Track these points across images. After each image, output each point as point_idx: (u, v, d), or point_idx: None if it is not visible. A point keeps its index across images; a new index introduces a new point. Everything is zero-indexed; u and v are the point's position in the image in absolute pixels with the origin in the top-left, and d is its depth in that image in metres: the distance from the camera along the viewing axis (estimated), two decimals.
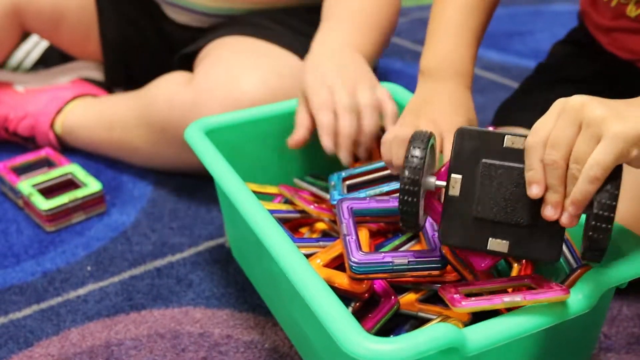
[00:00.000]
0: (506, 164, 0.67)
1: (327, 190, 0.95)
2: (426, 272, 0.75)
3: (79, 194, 1.16)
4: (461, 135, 0.70)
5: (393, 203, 0.82)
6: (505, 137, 0.68)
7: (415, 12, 2.02)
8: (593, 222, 0.62)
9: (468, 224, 0.69)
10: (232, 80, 1.10)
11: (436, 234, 0.78)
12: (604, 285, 0.68)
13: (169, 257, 1.09)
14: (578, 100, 0.63)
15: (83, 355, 0.91)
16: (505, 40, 1.84)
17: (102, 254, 1.10)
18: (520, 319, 0.65)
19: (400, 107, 1.03)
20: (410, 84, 1.08)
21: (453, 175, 0.69)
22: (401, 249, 0.84)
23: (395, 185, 0.87)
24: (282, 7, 1.29)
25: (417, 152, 0.68)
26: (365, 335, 0.61)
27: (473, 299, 0.66)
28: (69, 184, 1.21)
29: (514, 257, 0.77)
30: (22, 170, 1.24)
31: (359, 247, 0.76)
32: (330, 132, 0.95)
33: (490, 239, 0.68)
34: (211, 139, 0.94)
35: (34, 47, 1.55)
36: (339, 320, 0.63)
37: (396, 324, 0.81)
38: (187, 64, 1.27)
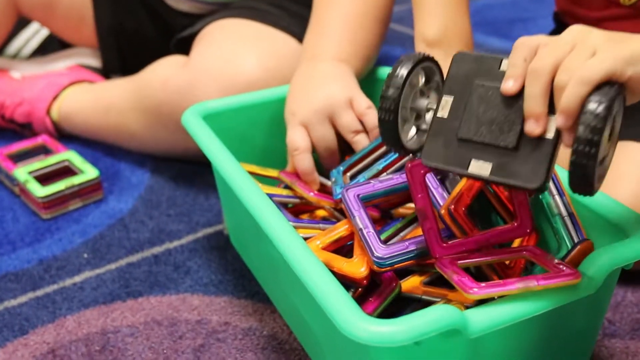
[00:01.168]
0: (499, 85, 0.65)
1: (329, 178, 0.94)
2: None
3: (75, 180, 1.15)
4: (458, 59, 0.68)
5: (397, 180, 0.80)
6: (502, 60, 0.66)
7: None
8: (576, 145, 0.59)
9: (452, 144, 0.66)
10: (229, 62, 1.09)
11: None
12: (609, 266, 0.66)
13: (166, 244, 1.07)
14: (576, 27, 0.62)
15: (79, 343, 0.90)
16: (507, 27, 1.82)
17: (98, 241, 1.09)
18: (523, 301, 0.64)
19: None
20: None
21: (444, 96, 0.67)
22: (405, 232, 0.83)
23: (390, 157, 0.85)
24: None
25: (402, 71, 0.68)
26: (365, 317, 0.59)
27: (484, 284, 0.64)
28: (66, 171, 1.20)
29: (495, 184, 0.73)
30: (19, 158, 1.23)
31: (380, 240, 0.75)
32: (310, 174, 0.93)
33: (472, 160, 0.65)
34: (208, 124, 0.93)
35: (33, 35, 1.54)
36: (338, 302, 0.62)
37: (398, 309, 0.79)
38: (183, 48, 1.26)
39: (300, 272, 0.67)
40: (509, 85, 0.63)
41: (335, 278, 0.65)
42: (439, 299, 0.76)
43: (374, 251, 0.73)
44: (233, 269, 1.02)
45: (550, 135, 0.63)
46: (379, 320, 0.59)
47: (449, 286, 0.74)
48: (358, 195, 0.79)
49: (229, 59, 1.09)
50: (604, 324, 0.90)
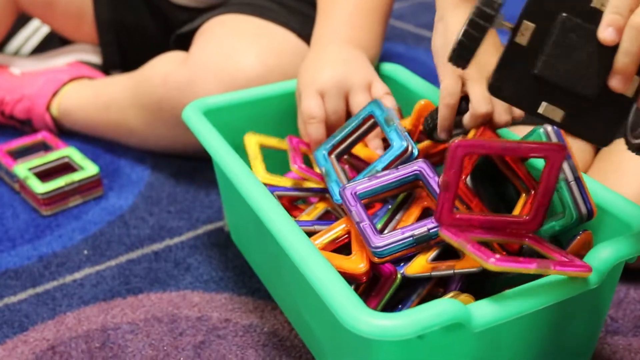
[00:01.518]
0: (588, 25, 0.59)
1: None
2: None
3: (75, 177, 1.14)
4: None
5: (393, 176, 0.79)
6: None
7: None
8: None
9: (526, 80, 0.61)
10: (229, 57, 1.08)
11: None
12: (613, 260, 0.66)
13: (167, 240, 1.07)
14: None
15: (79, 340, 0.90)
16: (510, 22, 1.81)
17: (99, 237, 1.08)
18: (527, 295, 0.63)
19: (403, 88, 1.02)
20: (412, 67, 1.07)
21: (525, 21, 0.61)
22: (398, 215, 0.82)
23: (388, 155, 0.84)
24: None
25: None
26: (368, 311, 0.59)
27: (500, 256, 0.62)
28: (66, 168, 1.20)
29: (564, 129, 0.67)
30: (19, 154, 1.22)
31: (376, 231, 0.74)
32: (321, 143, 0.92)
33: (544, 102, 0.61)
34: (209, 120, 0.92)
35: (32, 33, 1.53)
36: (341, 296, 0.61)
37: (407, 293, 0.79)
38: (183, 44, 1.25)
39: (302, 266, 0.66)
40: (608, 34, 0.57)
41: (337, 272, 0.64)
42: (450, 272, 0.74)
43: (371, 242, 0.73)
44: (234, 265, 1.01)
45: (630, 93, 0.60)
46: (382, 314, 0.59)
47: (456, 257, 0.74)
48: (355, 193, 0.78)
49: (229, 54, 1.08)
50: (606, 321, 0.90)
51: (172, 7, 1.33)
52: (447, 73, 0.81)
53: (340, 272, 0.73)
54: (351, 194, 0.78)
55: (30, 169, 1.16)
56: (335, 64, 0.96)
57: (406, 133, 0.83)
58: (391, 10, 1.09)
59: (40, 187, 1.11)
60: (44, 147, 1.25)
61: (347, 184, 0.80)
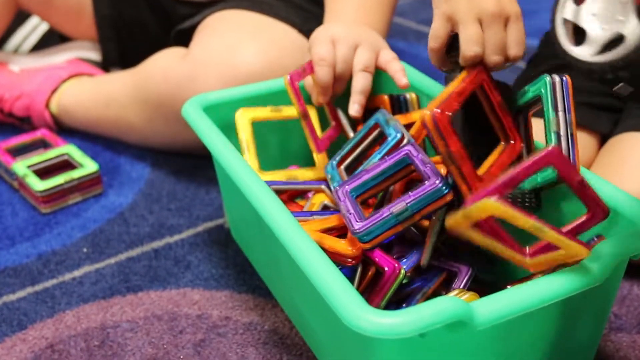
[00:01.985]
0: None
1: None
2: (433, 206, 0.72)
3: (74, 174, 1.13)
4: None
5: (383, 164, 0.78)
6: None
7: None
8: None
9: None
10: (230, 52, 1.07)
11: (428, 167, 0.74)
12: (618, 256, 0.65)
13: (166, 238, 1.06)
14: None
15: (78, 338, 0.89)
16: None
17: (98, 235, 1.07)
18: (530, 292, 0.62)
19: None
20: (413, 64, 1.05)
21: None
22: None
23: (384, 146, 0.83)
24: None
25: None
26: (369, 308, 0.58)
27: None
28: (65, 165, 1.19)
29: None
30: (18, 152, 1.22)
31: (359, 219, 0.74)
32: (327, 88, 0.94)
33: None
34: (209, 116, 0.92)
35: (31, 32, 1.53)
36: (341, 294, 0.60)
37: (411, 293, 0.78)
38: (183, 40, 1.25)
39: (303, 264, 0.66)
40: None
41: (339, 271, 0.64)
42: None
43: (352, 227, 0.73)
44: (234, 263, 1.01)
45: None
46: (383, 312, 0.58)
47: None
48: (347, 191, 0.78)
49: (230, 50, 1.08)
50: (610, 318, 0.89)
51: (172, 2, 1.32)
52: (435, 15, 0.80)
53: (332, 252, 0.74)
54: (343, 192, 0.78)
55: (29, 167, 1.15)
56: (350, 27, 0.99)
57: (404, 128, 0.82)
58: (397, 3, 1.11)
59: (39, 185, 1.11)
60: (43, 145, 1.25)
61: (341, 183, 0.79)
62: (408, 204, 0.72)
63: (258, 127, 0.96)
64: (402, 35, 1.74)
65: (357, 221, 0.73)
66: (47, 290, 0.97)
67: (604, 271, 0.64)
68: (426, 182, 0.72)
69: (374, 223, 0.72)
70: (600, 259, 0.64)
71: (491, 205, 0.58)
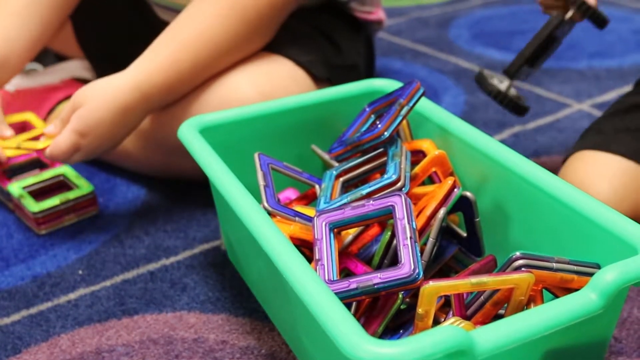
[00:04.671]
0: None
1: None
2: (401, 288, 0.71)
3: (70, 195, 1.13)
4: None
5: (368, 208, 0.78)
6: None
7: (414, 12, 1.99)
8: None
9: None
10: (223, 84, 1.07)
11: (406, 244, 0.72)
12: (620, 283, 0.64)
13: (162, 260, 1.05)
14: None
15: None
16: (507, 39, 1.81)
17: (94, 257, 1.06)
18: (531, 320, 0.62)
19: None
20: None
21: None
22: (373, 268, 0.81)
23: (377, 182, 0.83)
24: None
25: None
26: (368, 338, 0.57)
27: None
28: (61, 186, 1.18)
29: None
30: (13, 173, 1.21)
31: (329, 275, 0.73)
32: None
33: None
34: (205, 138, 0.91)
35: None
36: (340, 322, 0.60)
37: (409, 318, 0.77)
38: None
39: (301, 292, 0.65)
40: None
41: (338, 300, 0.63)
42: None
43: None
44: (231, 285, 1.00)
45: None
46: (382, 342, 0.57)
47: None
48: (327, 224, 0.77)
49: (223, 81, 1.08)
50: (610, 342, 0.89)
51: (160, 22, 1.31)
52: None
53: (296, 238, 0.79)
54: (322, 224, 0.77)
55: (24, 188, 1.15)
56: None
57: (406, 170, 0.82)
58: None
59: (34, 206, 1.10)
60: (39, 165, 1.24)
61: (324, 210, 0.79)
62: (375, 285, 0.71)
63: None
64: (398, 54, 1.73)
65: (325, 279, 0.73)
66: (42, 314, 0.96)
67: (606, 299, 0.63)
68: (400, 265, 0.71)
69: (339, 292, 0.71)
70: (601, 287, 0.64)
71: (434, 289, 0.68)
